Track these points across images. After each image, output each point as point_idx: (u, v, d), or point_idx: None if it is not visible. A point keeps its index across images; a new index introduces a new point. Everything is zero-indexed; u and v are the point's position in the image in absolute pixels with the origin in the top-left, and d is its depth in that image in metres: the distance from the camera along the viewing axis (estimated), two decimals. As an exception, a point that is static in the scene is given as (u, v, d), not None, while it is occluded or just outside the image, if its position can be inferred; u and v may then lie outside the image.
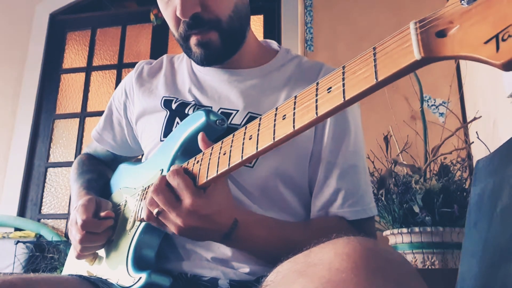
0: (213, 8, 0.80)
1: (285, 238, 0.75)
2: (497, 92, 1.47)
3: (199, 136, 0.74)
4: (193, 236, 0.72)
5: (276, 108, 0.59)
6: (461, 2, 0.40)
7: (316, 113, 0.51)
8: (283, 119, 0.56)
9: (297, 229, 0.79)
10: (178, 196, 0.68)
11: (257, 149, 0.59)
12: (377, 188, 1.48)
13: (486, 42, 0.36)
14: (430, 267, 1.35)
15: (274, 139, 0.57)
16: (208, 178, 0.67)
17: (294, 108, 0.55)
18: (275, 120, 0.58)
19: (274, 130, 0.57)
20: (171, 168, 0.71)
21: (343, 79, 0.49)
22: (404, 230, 1.40)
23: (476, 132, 1.54)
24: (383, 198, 1.47)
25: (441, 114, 2.04)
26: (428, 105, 2.06)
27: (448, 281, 1.09)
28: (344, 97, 0.48)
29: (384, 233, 1.50)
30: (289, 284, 0.44)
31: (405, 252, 1.41)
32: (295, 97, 0.56)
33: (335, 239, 0.48)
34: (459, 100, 2.01)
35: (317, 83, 0.54)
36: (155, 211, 0.70)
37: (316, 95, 0.52)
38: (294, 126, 0.54)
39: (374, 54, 0.47)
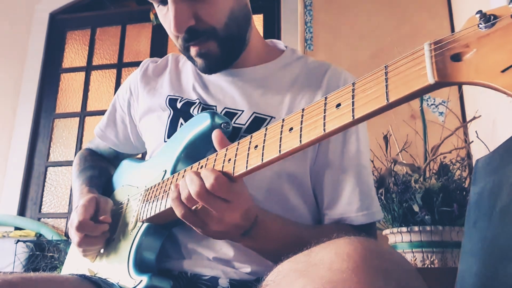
0: (207, 18, 0.78)
1: (299, 238, 0.74)
2: (497, 91, 1.47)
3: (216, 136, 0.70)
4: (218, 235, 0.69)
5: (283, 120, 0.58)
6: (478, 25, 0.39)
7: (324, 130, 0.50)
8: (290, 131, 0.56)
9: (310, 231, 0.78)
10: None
11: (262, 160, 0.58)
12: (377, 187, 1.48)
13: (503, 71, 0.35)
14: (429, 266, 1.35)
15: (280, 152, 0.56)
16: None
17: (302, 122, 0.54)
18: (281, 132, 0.57)
19: (280, 144, 0.56)
20: (212, 181, 0.63)
21: (353, 96, 0.48)
22: (404, 229, 1.40)
23: (476, 131, 1.54)
24: (382, 197, 1.47)
25: (441, 113, 2.04)
26: (428, 104, 2.06)
27: (447, 280, 1.09)
28: (353, 116, 0.47)
29: (384, 232, 1.50)
30: (289, 284, 0.44)
31: (404, 251, 1.42)
32: (303, 110, 0.56)
33: (336, 239, 0.48)
34: (458, 99, 2.01)
35: (326, 98, 0.53)
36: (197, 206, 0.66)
37: (325, 110, 0.51)
38: (301, 141, 0.53)
39: (386, 73, 0.45)
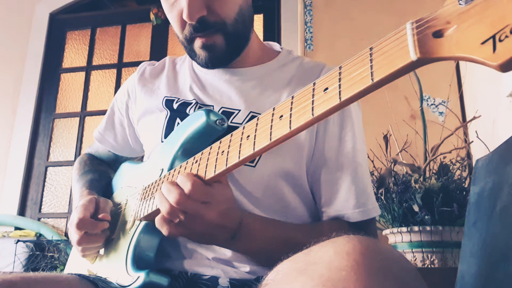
0: (219, 11, 0.80)
1: (287, 238, 0.74)
2: (497, 91, 1.47)
3: None
4: (205, 239, 0.71)
5: (274, 108, 0.59)
6: (458, 2, 0.40)
7: (312, 114, 0.51)
8: (280, 119, 0.56)
9: (301, 230, 0.78)
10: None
11: (254, 149, 0.59)
12: (377, 187, 1.48)
13: (483, 43, 0.36)
14: (429, 266, 1.35)
15: (270, 139, 0.57)
16: (206, 179, 0.66)
17: (291, 109, 0.55)
18: (272, 120, 0.58)
19: (271, 131, 0.57)
20: (190, 187, 0.65)
21: (340, 79, 0.49)
22: (404, 229, 1.40)
23: (476, 131, 1.54)
24: (382, 197, 1.47)
25: (441, 113, 2.04)
26: (428, 104, 2.06)
27: (447, 280, 1.09)
28: (340, 98, 0.48)
29: (384, 232, 1.50)
30: (289, 283, 0.44)
31: (404, 251, 1.42)
32: (292, 97, 0.56)
33: (335, 237, 0.48)
34: (458, 99, 2.01)
35: (314, 83, 0.53)
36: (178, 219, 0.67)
37: (313, 95, 0.52)
38: (290, 127, 0.54)
39: (371, 55, 0.46)
